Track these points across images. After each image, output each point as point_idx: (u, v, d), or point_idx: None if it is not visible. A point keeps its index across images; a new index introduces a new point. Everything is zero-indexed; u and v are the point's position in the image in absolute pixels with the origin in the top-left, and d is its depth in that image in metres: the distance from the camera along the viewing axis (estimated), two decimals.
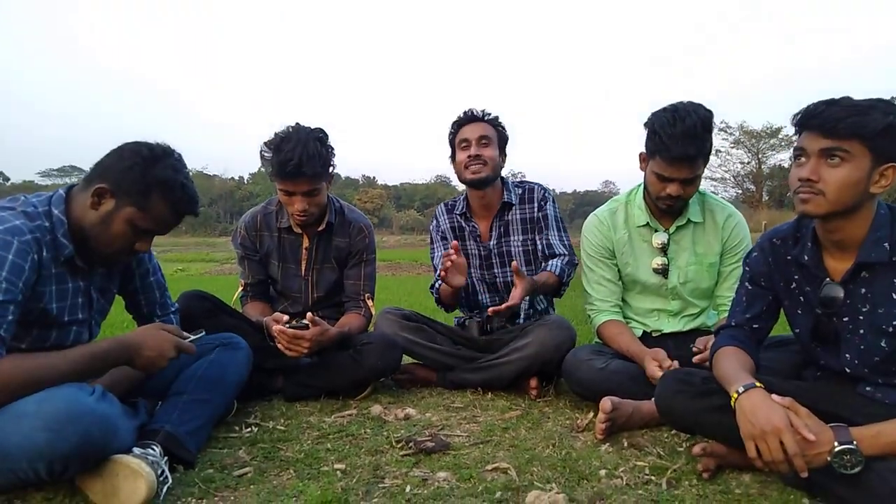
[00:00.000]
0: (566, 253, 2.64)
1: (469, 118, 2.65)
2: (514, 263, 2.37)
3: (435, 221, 2.89)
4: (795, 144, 1.50)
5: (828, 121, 1.40)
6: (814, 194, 1.44)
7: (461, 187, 2.77)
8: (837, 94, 1.45)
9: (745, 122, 37.37)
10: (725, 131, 36.44)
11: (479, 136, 2.59)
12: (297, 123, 2.38)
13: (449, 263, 2.33)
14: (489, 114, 2.66)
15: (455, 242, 2.41)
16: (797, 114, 1.48)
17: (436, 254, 2.85)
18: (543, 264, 2.65)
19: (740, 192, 38.52)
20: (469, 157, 2.59)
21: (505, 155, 2.71)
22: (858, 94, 1.43)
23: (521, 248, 2.70)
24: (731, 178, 38.72)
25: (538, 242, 2.68)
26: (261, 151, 2.36)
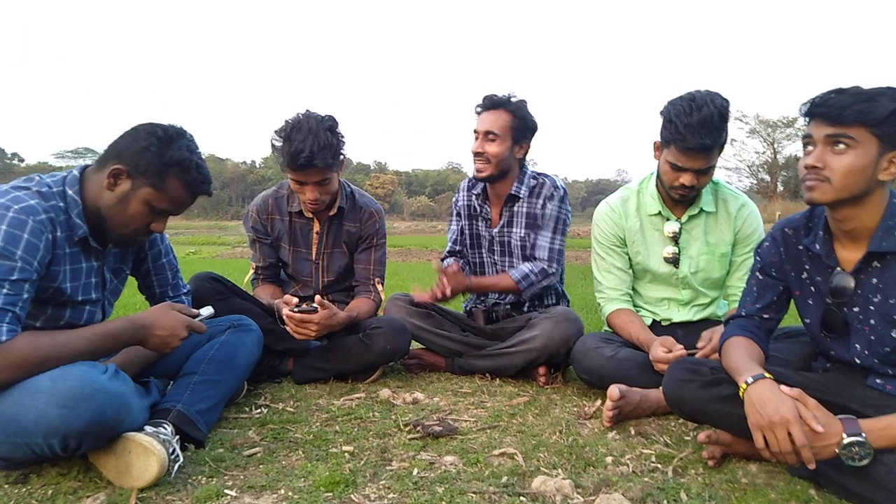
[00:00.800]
0: (545, 259, 2.58)
1: (487, 105, 2.57)
2: (444, 264, 2.50)
3: (457, 196, 2.90)
4: (803, 133, 1.49)
5: (833, 108, 1.39)
6: (820, 181, 1.42)
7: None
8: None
9: (760, 112, 36.95)
10: (741, 120, 36.08)
11: (486, 130, 2.54)
12: (308, 111, 2.37)
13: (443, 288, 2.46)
14: (512, 98, 2.56)
15: (454, 263, 2.53)
16: (805, 103, 1.46)
17: (451, 227, 2.89)
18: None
19: (755, 182, 38.16)
20: (474, 152, 2.57)
21: (526, 145, 2.63)
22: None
23: (519, 243, 2.67)
24: (746, 168, 38.37)
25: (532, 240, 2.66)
26: (272, 141, 2.36)
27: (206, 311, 1.87)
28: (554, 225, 2.61)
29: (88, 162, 1.72)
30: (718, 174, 2.31)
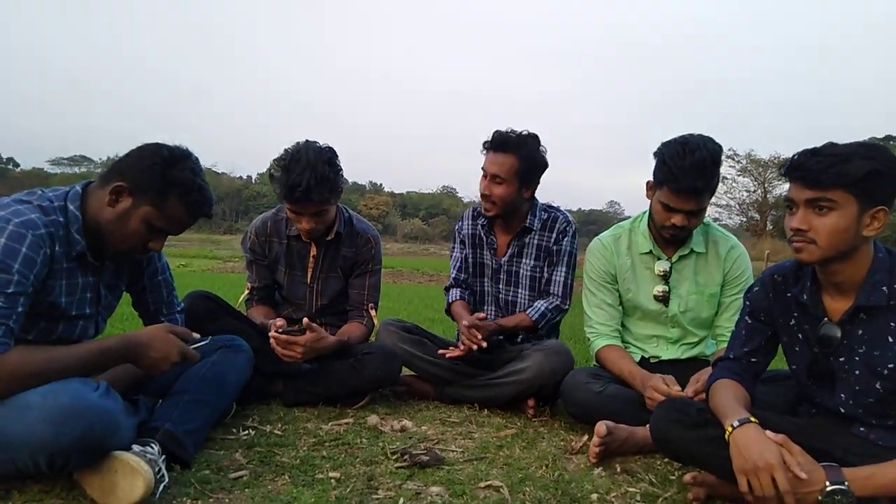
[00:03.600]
0: (559, 295, 2.64)
1: (496, 145, 2.55)
2: (476, 314, 2.47)
3: (460, 223, 2.91)
4: (785, 195, 1.53)
5: (810, 172, 1.44)
6: (806, 243, 1.47)
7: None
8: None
9: (752, 151, 37.60)
10: (733, 158, 36.64)
11: (493, 173, 2.53)
12: (307, 141, 2.39)
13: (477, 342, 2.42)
14: (522, 138, 2.54)
15: (480, 314, 2.50)
16: (783, 164, 1.52)
17: (455, 254, 2.89)
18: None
19: (745, 219, 38.63)
20: (481, 193, 2.61)
21: (534, 184, 2.62)
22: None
23: (528, 273, 2.70)
24: (736, 206, 38.90)
25: (545, 273, 2.69)
26: (270, 171, 2.38)
27: (202, 340, 1.88)
28: (568, 260, 2.67)
29: (83, 170, 1.75)
30: (709, 211, 2.35)
